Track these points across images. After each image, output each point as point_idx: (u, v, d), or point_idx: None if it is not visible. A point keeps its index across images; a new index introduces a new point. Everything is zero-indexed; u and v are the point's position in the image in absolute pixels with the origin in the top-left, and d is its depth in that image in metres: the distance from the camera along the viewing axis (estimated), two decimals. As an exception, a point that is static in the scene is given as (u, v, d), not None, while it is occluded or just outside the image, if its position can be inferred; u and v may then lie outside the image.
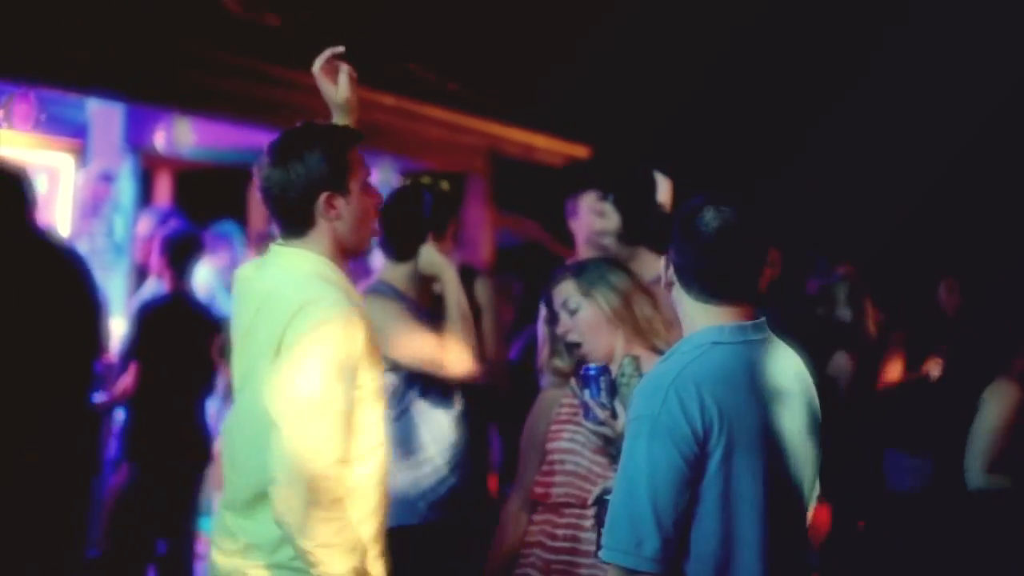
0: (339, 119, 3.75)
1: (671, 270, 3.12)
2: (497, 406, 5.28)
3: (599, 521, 3.46)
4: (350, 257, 3.44)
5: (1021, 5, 10.53)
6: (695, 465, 2.90)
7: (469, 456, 4.77)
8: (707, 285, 3.06)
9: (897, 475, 6.47)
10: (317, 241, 3.33)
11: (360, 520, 3.28)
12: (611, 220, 5.14)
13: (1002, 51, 10.83)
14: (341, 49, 3.76)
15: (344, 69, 3.76)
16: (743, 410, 2.96)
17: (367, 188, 3.39)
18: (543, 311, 4.52)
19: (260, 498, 3.21)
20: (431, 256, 4.70)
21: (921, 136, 11.37)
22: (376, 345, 3.39)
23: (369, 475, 3.33)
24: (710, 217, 3.02)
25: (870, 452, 6.56)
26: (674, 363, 3.02)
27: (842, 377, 6.48)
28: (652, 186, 5.26)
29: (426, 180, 5.02)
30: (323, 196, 3.28)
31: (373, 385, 3.35)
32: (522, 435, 4.14)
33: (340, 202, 3.30)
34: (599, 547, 3.05)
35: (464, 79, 10.00)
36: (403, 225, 4.72)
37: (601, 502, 3.55)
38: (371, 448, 3.35)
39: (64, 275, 5.45)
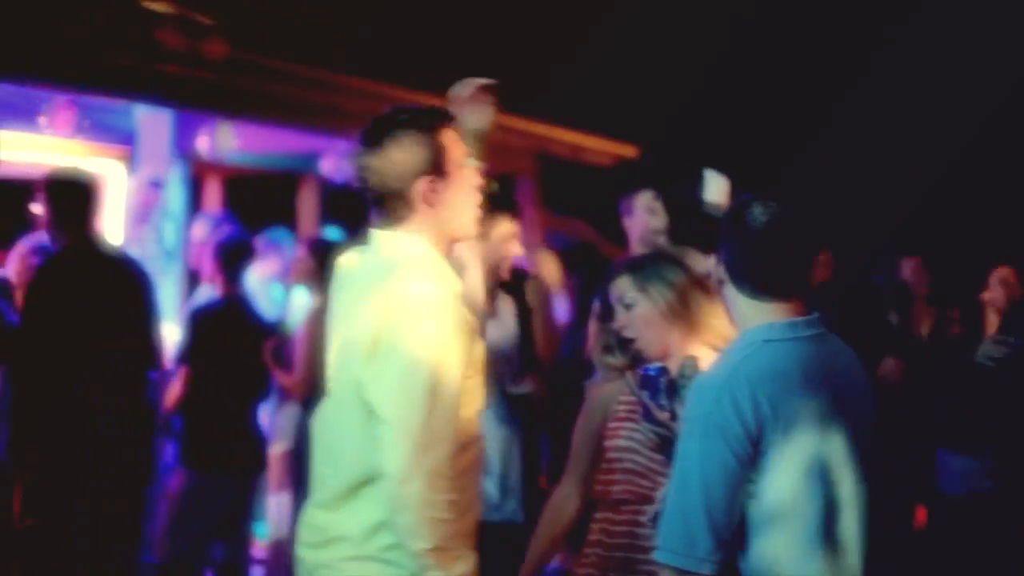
0: (469, 144, 3.63)
1: (721, 268, 3.10)
2: (542, 409, 5.25)
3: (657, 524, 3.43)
4: (454, 241, 3.33)
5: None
6: (749, 464, 2.89)
7: (517, 456, 4.75)
8: (757, 281, 3.04)
9: (947, 478, 6.39)
10: (419, 228, 3.21)
11: (463, 510, 3.18)
12: (661, 219, 5.14)
13: (1003, 49, 10.74)
14: (491, 81, 3.64)
15: (490, 100, 3.65)
16: (797, 406, 2.93)
17: (466, 169, 3.29)
18: (596, 306, 4.49)
19: (353, 491, 3.13)
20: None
21: (924, 134, 11.28)
22: (473, 335, 3.27)
23: (467, 469, 3.23)
24: (758, 212, 3.01)
25: (920, 454, 6.47)
26: (726, 362, 3.01)
27: (890, 383, 6.39)
28: (698, 185, 5.24)
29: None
30: (422, 181, 3.17)
31: (471, 376, 3.24)
32: (575, 428, 4.11)
33: (440, 186, 3.19)
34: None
35: (511, 81, 9.98)
36: None
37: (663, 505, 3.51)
38: (470, 440, 3.25)
39: (124, 284, 5.49)
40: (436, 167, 3.18)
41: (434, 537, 3.02)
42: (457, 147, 3.25)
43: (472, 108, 3.60)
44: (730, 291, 3.10)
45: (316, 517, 3.26)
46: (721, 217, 3.23)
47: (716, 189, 5.12)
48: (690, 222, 5.02)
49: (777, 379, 2.94)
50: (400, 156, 3.15)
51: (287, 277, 8.49)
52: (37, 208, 5.64)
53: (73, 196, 5.40)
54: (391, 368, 3.05)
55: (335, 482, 3.20)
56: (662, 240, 5.09)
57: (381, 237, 3.25)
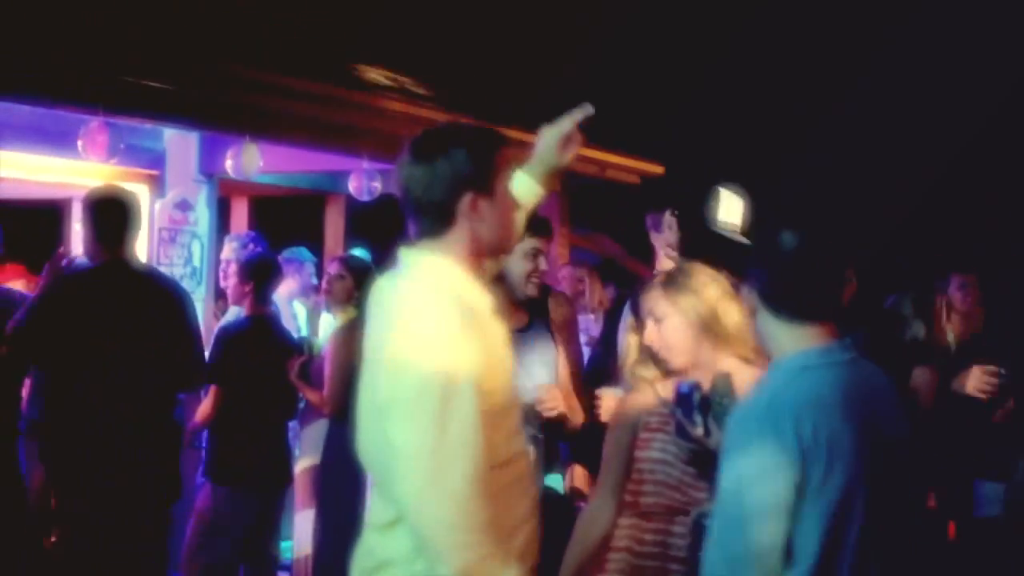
0: (538, 174, 3.61)
1: (754, 295, 3.09)
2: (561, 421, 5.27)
3: (694, 545, 3.45)
4: (487, 258, 3.27)
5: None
6: (794, 493, 2.87)
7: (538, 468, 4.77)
8: (792, 306, 3.03)
9: (980, 502, 6.35)
10: (455, 242, 3.15)
11: (511, 529, 3.13)
12: (675, 234, 5.19)
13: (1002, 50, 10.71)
14: (591, 111, 3.60)
15: (577, 138, 3.60)
16: (837, 431, 2.92)
17: (510, 193, 3.25)
18: (627, 318, 4.51)
19: (400, 519, 3.06)
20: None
21: (927, 131, 11.25)
22: (506, 348, 3.23)
23: (509, 486, 3.16)
24: (788, 237, 3.01)
25: (956, 476, 6.42)
26: (765, 392, 2.99)
27: (923, 392, 6.32)
28: (710, 203, 5.28)
29: None
30: (468, 196, 3.11)
31: (504, 392, 3.17)
32: (605, 440, 4.10)
33: (484, 204, 3.13)
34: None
35: (537, 99, 10.03)
36: None
37: (697, 526, 3.52)
38: (511, 457, 3.19)
39: (157, 301, 5.53)
40: (483, 183, 3.14)
41: (463, 560, 2.94)
42: (507, 169, 3.22)
43: (567, 145, 3.59)
44: (764, 317, 3.09)
45: (369, 540, 3.21)
46: (743, 241, 3.24)
47: (730, 207, 5.15)
48: (703, 239, 5.05)
49: (817, 407, 2.92)
50: (450, 168, 3.11)
51: (307, 294, 8.56)
52: (77, 227, 5.69)
53: (113, 214, 5.45)
54: (396, 394, 3.01)
55: (383, 509, 3.15)
56: (675, 255, 5.13)
57: (410, 257, 3.20)
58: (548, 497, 4.82)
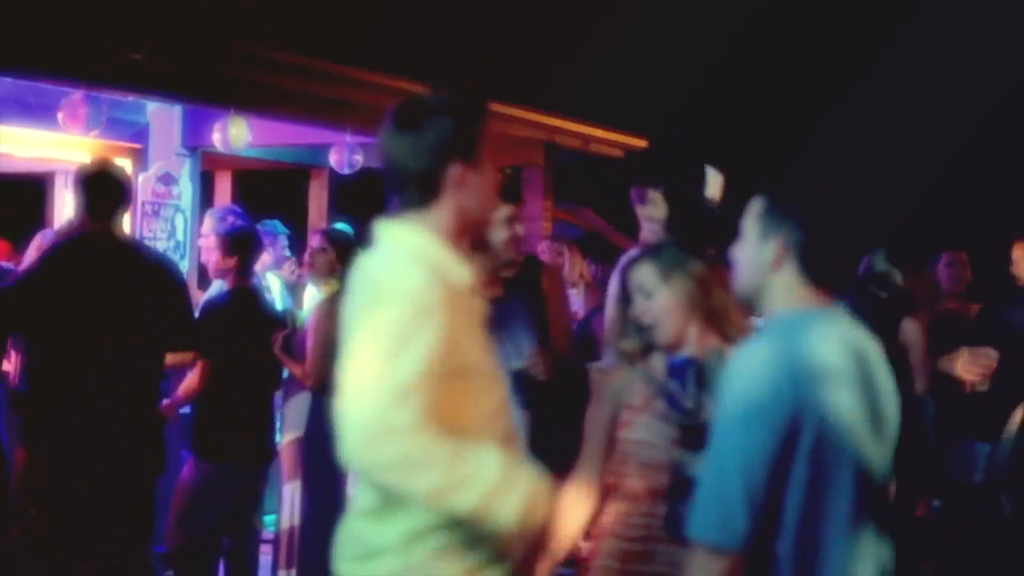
0: None
1: (787, 248, 3.08)
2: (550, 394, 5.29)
3: (673, 494, 3.43)
4: (471, 234, 3.14)
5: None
6: (788, 445, 2.88)
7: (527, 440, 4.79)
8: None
9: (958, 464, 6.36)
10: (439, 215, 3.04)
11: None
12: (660, 210, 5.19)
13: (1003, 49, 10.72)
14: None
15: None
16: (833, 390, 2.94)
17: (493, 164, 3.14)
18: (613, 290, 4.52)
19: (393, 499, 2.94)
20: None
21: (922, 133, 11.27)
22: (483, 327, 3.13)
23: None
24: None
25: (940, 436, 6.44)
26: (767, 344, 3.01)
27: (915, 344, 6.24)
28: (700, 180, 5.28)
29: None
30: (454, 165, 3.01)
31: (481, 367, 3.07)
32: (586, 417, 4.08)
33: (470, 174, 3.03)
34: (671, 523, 3.09)
35: (521, 72, 10.01)
36: None
37: (677, 477, 3.51)
38: (502, 433, 3.09)
39: (144, 275, 5.53)
40: (469, 153, 3.04)
41: (416, 481, 2.78)
42: (491, 139, 3.11)
43: None
44: (787, 273, 3.08)
45: (356, 526, 3.10)
46: (726, 217, 3.25)
47: (713, 185, 5.15)
48: (688, 215, 5.05)
49: (816, 363, 2.94)
50: (436, 137, 2.99)
51: (279, 267, 8.57)
52: (60, 201, 5.69)
53: (105, 188, 5.45)
54: (360, 330, 2.88)
55: (369, 490, 3.04)
56: (659, 231, 5.14)
57: (387, 228, 3.08)
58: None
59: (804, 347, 2.96)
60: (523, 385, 5.07)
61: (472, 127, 3.05)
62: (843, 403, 2.95)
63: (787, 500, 2.90)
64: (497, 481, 2.84)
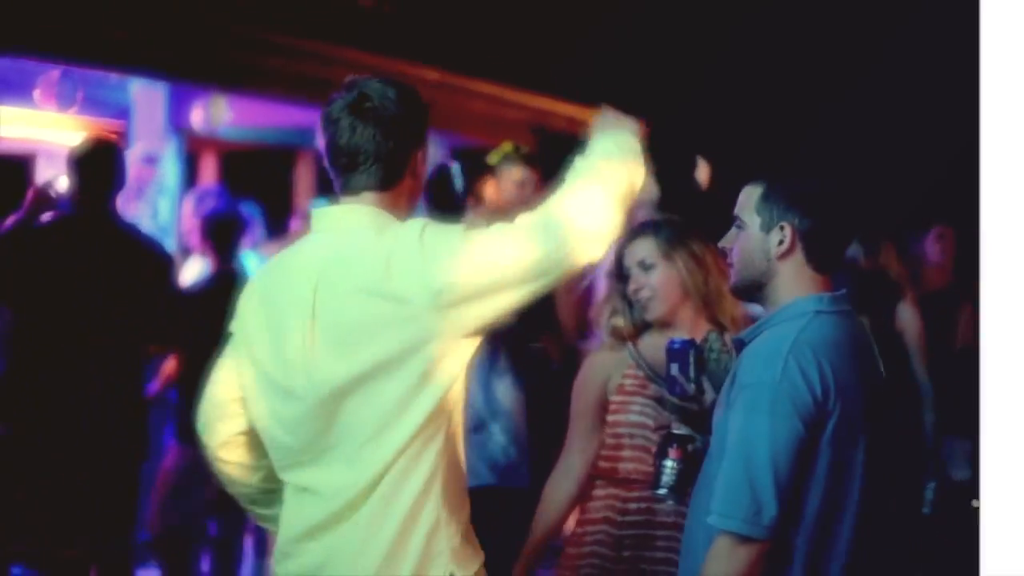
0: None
1: (794, 235, 3.06)
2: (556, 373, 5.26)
3: (660, 453, 3.38)
4: (406, 215, 3.12)
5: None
6: (813, 432, 2.89)
7: (526, 423, 4.77)
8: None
9: (952, 462, 6.32)
10: (392, 199, 3.02)
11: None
12: (652, 191, 5.16)
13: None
14: None
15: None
16: (849, 378, 2.96)
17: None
18: (608, 265, 4.46)
19: (339, 516, 2.93)
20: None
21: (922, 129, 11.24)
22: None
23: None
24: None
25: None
26: (786, 330, 2.99)
27: (912, 329, 6.11)
28: (691, 163, 5.26)
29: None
30: (418, 151, 3.06)
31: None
32: (573, 396, 4.01)
33: (421, 157, 3.08)
34: (657, 482, 3.23)
35: (509, 52, 9.93)
36: (438, 205, 4.76)
37: (669, 436, 3.43)
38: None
39: (131, 257, 5.47)
40: (422, 137, 3.09)
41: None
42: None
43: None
44: (793, 262, 3.08)
45: (301, 547, 3.04)
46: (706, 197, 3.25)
47: (701, 172, 5.13)
48: (677, 197, 5.01)
49: (833, 349, 2.96)
50: (413, 124, 3.03)
51: (256, 248, 8.49)
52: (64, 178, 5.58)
53: (99, 166, 5.38)
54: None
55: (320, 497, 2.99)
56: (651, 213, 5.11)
57: (330, 212, 3.08)
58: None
59: (827, 334, 2.98)
60: (534, 372, 5.02)
61: (424, 111, 3.09)
62: (856, 385, 2.96)
63: (810, 489, 2.91)
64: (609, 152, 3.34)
